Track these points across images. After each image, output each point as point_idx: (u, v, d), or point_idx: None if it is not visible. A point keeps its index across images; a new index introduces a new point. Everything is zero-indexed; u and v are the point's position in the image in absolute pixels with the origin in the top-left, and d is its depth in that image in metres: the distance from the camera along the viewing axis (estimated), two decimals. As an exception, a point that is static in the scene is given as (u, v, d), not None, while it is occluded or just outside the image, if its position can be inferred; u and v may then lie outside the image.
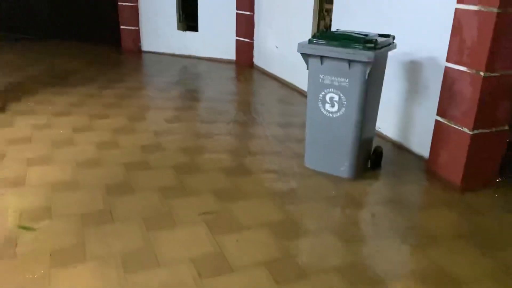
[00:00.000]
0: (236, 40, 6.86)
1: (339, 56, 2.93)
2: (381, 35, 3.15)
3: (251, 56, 6.80)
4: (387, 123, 3.92)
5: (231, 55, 7.03)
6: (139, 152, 3.59)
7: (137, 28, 7.59)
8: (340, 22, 4.56)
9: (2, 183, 2.98)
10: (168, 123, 4.29)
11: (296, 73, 5.53)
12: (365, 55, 2.83)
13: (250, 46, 6.74)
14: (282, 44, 5.89)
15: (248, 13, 6.55)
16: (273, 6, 6.03)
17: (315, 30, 5.19)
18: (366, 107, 3.05)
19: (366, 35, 2.99)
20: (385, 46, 3.03)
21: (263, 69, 6.51)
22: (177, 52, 7.47)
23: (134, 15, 7.48)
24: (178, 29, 7.35)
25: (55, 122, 4.18)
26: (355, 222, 2.77)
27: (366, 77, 2.91)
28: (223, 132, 4.09)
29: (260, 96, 5.52)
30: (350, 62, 2.91)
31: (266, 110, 4.82)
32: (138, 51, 7.66)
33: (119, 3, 7.46)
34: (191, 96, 5.37)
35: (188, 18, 7.42)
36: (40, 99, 4.80)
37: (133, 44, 7.66)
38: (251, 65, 6.81)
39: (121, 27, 7.62)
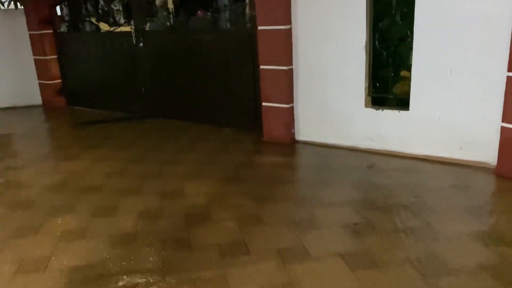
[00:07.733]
0: (502, 128, 3.44)
1: None
2: None
3: (541, 161, 3.32)
4: None
5: (485, 155, 3.61)
6: None
7: (290, 105, 4.58)
8: None
9: None
10: None
11: None
12: None
13: (542, 142, 3.28)
14: None
15: (545, 76, 3.15)
16: None
17: None
18: None
19: None
20: None
21: None
22: (362, 145, 4.26)
23: (285, 84, 4.51)
24: (366, 106, 4.18)
25: None
26: None
27: None
28: None
29: None
30: None
31: None
32: (290, 142, 4.62)
33: (261, 66, 4.57)
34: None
35: (384, 87, 4.23)
36: None
37: (283, 131, 4.64)
38: (540, 180, 3.32)
39: (264, 104, 4.68)
